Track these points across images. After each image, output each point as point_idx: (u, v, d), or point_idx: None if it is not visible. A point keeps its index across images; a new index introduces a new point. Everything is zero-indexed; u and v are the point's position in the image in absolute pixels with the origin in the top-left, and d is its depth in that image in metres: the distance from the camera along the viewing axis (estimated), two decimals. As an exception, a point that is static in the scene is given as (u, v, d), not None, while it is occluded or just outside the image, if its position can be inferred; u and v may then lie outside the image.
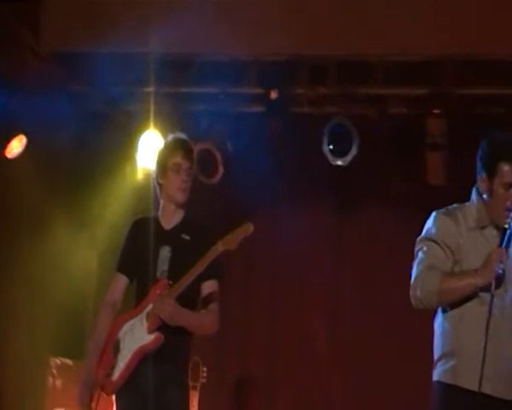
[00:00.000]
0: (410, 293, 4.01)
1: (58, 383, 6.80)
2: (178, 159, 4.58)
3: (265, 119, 7.07)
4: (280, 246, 7.54)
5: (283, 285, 7.74)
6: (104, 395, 4.48)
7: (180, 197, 4.58)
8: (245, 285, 7.79)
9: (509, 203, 3.95)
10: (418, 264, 4.07)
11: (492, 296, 3.82)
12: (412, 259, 7.36)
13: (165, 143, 4.76)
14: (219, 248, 4.33)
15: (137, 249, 4.57)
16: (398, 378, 7.28)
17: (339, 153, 6.91)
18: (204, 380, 6.82)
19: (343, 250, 7.60)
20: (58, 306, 6.91)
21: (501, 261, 3.83)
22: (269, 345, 7.67)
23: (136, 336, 4.42)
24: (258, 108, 7.11)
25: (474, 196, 4.10)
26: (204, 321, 4.51)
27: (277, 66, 7.01)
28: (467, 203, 4.10)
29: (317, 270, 7.71)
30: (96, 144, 7.22)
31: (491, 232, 3.99)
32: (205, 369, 6.84)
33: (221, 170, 7.12)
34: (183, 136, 4.73)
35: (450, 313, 4.01)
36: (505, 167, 3.93)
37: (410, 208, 7.34)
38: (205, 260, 4.34)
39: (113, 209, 7.28)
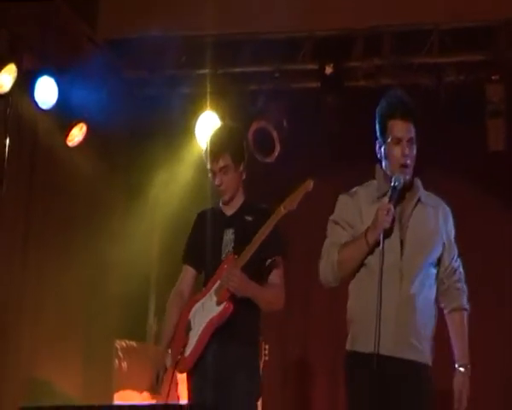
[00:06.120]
0: (319, 274, 4.14)
1: (124, 365, 6.85)
2: (212, 165, 4.56)
3: (321, 94, 7.03)
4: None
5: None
6: (177, 373, 4.50)
7: (223, 198, 4.61)
8: (306, 262, 7.73)
9: (402, 160, 3.97)
10: (324, 245, 4.18)
11: (383, 250, 3.88)
12: (473, 226, 7.22)
13: (206, 144, 4.68)
14: (282, 210, 4.27)
15: (202, 240, 4.59)
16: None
17: (396, 125, 6.82)
18: (266, 358, 6.83)
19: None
20: (121, 289, 6.99)
21: (387, 214, 3.90)
22: (329, 327, 7.60)
23: (206, 311, 4.42)
24: (313, 84, 7.05)
25: (376, 167, 4.14)
26: (271, 295, 4.48)
27: (331, 40, 6.96)
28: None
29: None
30: (153, 128, 7.26)
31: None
32: (267, 346, 6.82)
33: (278, 148, 7.07)
34: (225, 129, 4.78)
35: (351, 286, 4.14)
36: (391, 122, 4.02)
37: (471, 176, 7.23)
38: (268, 225, 4.30)
39: (172, 193, 7.31)
